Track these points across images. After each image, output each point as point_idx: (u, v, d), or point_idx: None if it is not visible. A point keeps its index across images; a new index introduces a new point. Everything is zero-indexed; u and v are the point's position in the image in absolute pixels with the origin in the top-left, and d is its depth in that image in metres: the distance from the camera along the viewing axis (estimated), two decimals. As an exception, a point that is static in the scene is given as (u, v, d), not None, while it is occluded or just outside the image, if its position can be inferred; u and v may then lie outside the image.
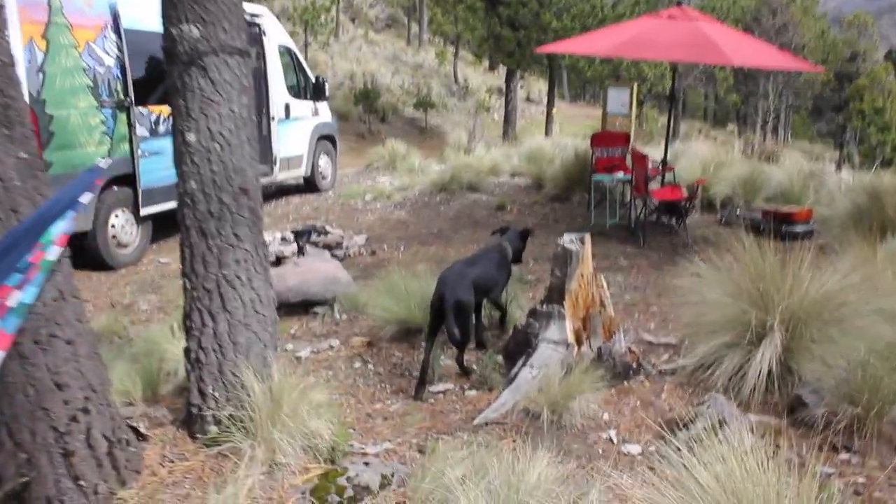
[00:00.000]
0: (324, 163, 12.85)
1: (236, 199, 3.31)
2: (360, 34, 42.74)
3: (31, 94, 7.14)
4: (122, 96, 8.32)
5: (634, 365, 4.46)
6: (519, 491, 2.74)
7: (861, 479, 3.35)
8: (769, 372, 4.04)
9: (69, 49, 7.75)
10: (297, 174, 12.17)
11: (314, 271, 6.29)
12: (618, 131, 11.76)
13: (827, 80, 29.58)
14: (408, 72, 36.81)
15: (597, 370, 4.15)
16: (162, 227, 9.28)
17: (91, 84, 7.98)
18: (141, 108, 8.50)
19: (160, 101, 8.61)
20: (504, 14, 22.45)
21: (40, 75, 7.40)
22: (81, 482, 2.92)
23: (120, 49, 8.29)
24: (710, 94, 32.74)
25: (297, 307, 6.20)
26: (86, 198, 2.92)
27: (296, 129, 11.89)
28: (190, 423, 3.53)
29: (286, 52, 11.95)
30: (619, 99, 16.53)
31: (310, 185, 12.62)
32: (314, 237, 8.68)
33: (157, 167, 8.66)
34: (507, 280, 5.21)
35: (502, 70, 27.10)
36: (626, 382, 4.37)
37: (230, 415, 3.39)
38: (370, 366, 4.88)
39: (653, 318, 6.04)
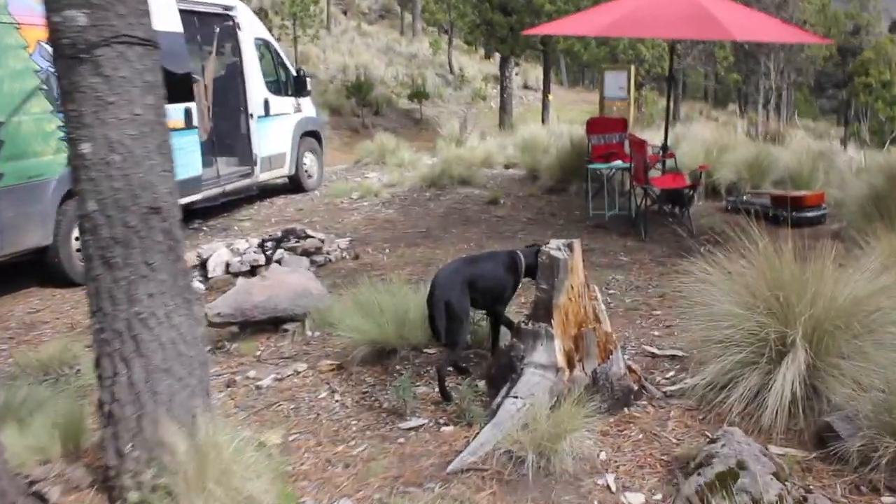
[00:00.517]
0: (309, 161, 12.25)
1: (145, 220, 2.74)
2: (352, 26, 42.07)
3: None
4: (79, 99, 7.74)
5: (636, 387, 3.89)
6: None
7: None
8: (792, 395, 3.46)
9: (17, 50, 7.17)
10: (281, 174, 11.58)
11: (283, 285, 5.71)
12: (615, 117, 11.18)
13: (829, 54, 28.86)
14: (402, 63, 36.13)
15: (592, 398, 3.58)
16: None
17: (45, 87, 7.40)
18: (102, 112, 7.92)
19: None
20: (495, -1, 21.83)
21: (-16, 80, 6.84)
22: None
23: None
24: (711, 74, 32.04)
25: (266, 325, 5.64)
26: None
27: (277, 127, 11.30)
28: (110, 487, 2.97)
29: (264, 46, 11.35)
30: (616, 82, 15.93)
31: (295, 184, 12.03)
32: (293, 242, 8.12)
33: (122, 174, 8.09)
34: (514, 290, 4.58)
35: (498, 57, 26.44)
36: (626, 409, 3.80)
37: (153, 478, 2.83)
38: (337, 396, 4.30)
39: (656, 325, 5.46)
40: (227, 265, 7.54)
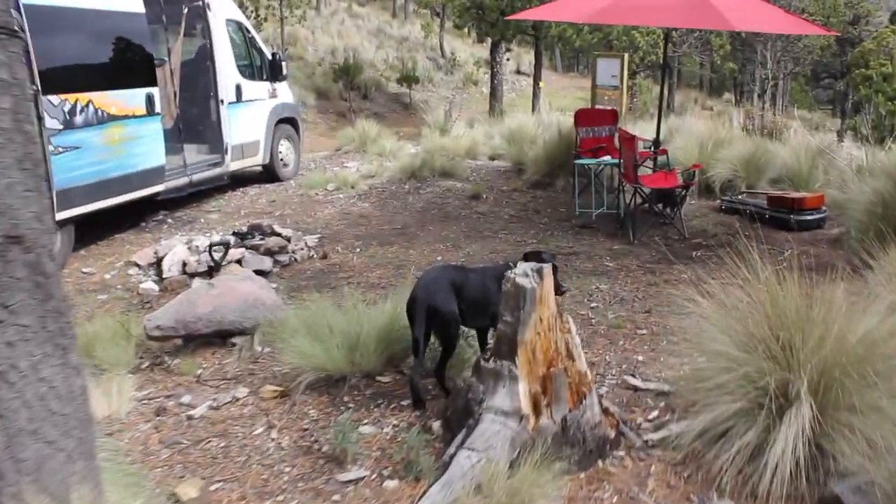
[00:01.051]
0: (284, 149, 11.66)
1: (2, 253, 2.19)
2: (342, 7, 41.27)
3: None
4: (25, 83, 7.16)
5: (612, 434, 3.37)
6: None
7: None
8: (794, 455, 2.95)
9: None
10: (254, 163, 10.99)
11: (232, 294, 5.17)
12: (605, 108, 10.63)
13: (827, 44, 28.30)
14: (392, 45, 35.44)
15: (560, 451, 3.07)
16: (93, 230, 8.20)
17: None
18: (51, 97, 7.32)
19: (75, 88, 7.48)
20: (487, -19, 21.14)
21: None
22: None
23: (20, 28, 7.11)
24: (706, 63, 31.45)
25: (214, 337, 5.11)
26: None
27: (250, 113, 10.70)
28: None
29: (236, 28, 10.74)
30: (609, 70, 15.39)
31: (269, 173, 11.44)
32: (257, 239, 7.57)
33: (74, 164, 7.51)
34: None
35: (490, 42, 25.82)
36: (600, 462, 3.28)
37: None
38: (274, 433, 3.78)
39: (641, 347, 4.94)
40: (184, 265, 7.00)
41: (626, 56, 15.31)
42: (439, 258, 7.48)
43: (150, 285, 6.79)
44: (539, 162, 10.76)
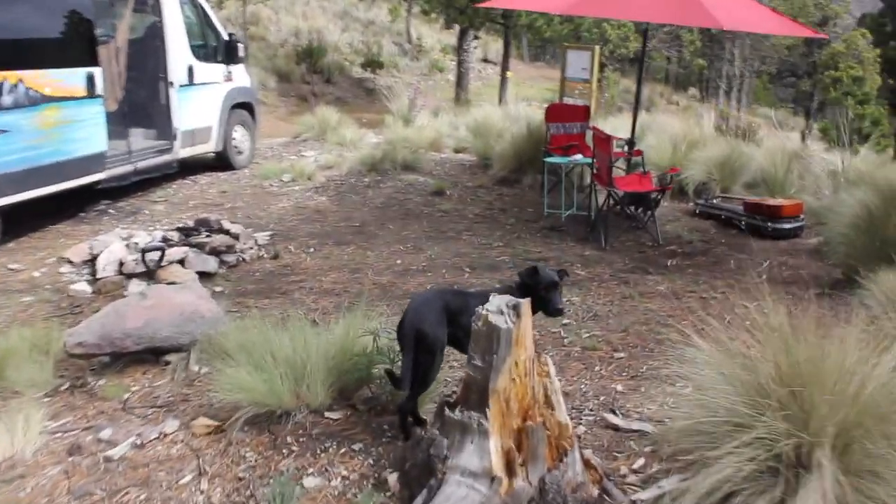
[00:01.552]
0: (239, 135, 11.02)
1: None
2: (308, -13, 40.29)
3: None
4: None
5: (595, 493, 2.92)
6: None
7: None
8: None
9: None
10: (206, 150, 10.35)
11: (167, 306, 4.62)
12: (577, 104, 10.16)
13: (794, 44, 28.20)
14: (358, 29, 34.64)
15: (537, 521, 2.60)
16: (26, 219, 7.55)
17: None
18: (-27, 75, 6.69)
19: (3, 65, 6.82)
20: (456, -34, 20.55)
21: None
22: None
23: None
24: (675, 59, 31.23)
25: (145, 354, 4.56)
26: None
27: (202, 97, 10.06)
28: None
29: (191, 5, 10.07)
30: (579, 62, 14.91)
31: (223, 161, 10.81)
32: (203, 236, 6.99)
33: (2, 149, 6.87)
34: None
35: (458, 28, 25.26)
36: (582, 530, 2.83)
37: None
38: (204, 482, 3.25)
39: (619, 373, 4.51)
40: (121, 264, 6.39)
41: (597, 48, 14.85)
42: (399, 261, 6.99)
43: (82, 286, 6.19)
44: (506, 157, 10.31)
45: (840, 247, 6.76)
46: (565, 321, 5.35)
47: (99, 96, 7.95)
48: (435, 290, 3.89)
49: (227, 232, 7.11)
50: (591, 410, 3.98)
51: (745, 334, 3.17)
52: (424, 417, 3.61)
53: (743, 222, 8.15)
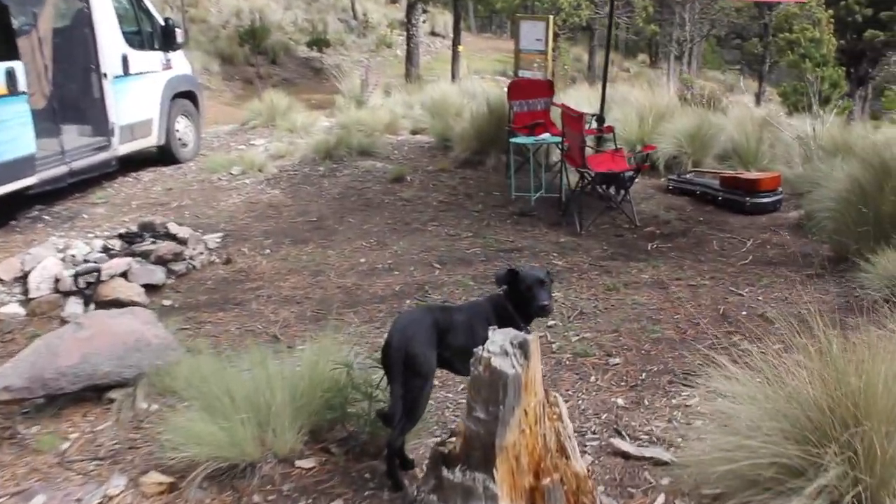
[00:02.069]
0: (182, 127, 10.34)
1: None
2: (247, -35, 38.99)
3: None
4: None
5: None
6: None
7: None
8: None
9: None
10: (147, 144, 9.65)
11: (106, 335, 4.07)
12: (539, 79, 9.70)
13: (743, 6, 27.99)
14: (301, 6, 33.58)
15: None
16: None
17: None
18: None
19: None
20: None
21: None
22: None
23: None
24: (627, 25, 30.88)
25: (85, 392, 4.01)
26: None
27: (140, 88, 9.36)
28: None
29: (121, -12, 9.35)
30: (533, 33, 14.44)
31: (167, 155, 10.12)
32: (148, 244, 6.42)
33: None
34: None
35: (405, 3, 24.52)
36: None
37: None
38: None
39: (617, 384, 4.09)
40: (57, 280, 5.79)
41: (551, 18, 14.37)
42: (363, 260, 6.49)
43: (13, 308, 5.58)
44: (467, 138, 9.82)
45: (826, 222, 6.43)
46: (550, 322, 4.92)
47: (22, 93, 7.25)
48: (422, 308, 3.45)
49: (174, 237, 6.55)
50: (594, 433, 3.56)
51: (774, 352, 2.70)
52: (411, 457, 3.16)
53: (720, 197, 7.79)
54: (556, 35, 23.23)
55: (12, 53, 7.17)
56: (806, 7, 18.51)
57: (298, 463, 3.14)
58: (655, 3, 27.53)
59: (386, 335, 3.02)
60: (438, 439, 3.50)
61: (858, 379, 2.42)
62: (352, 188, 8.79)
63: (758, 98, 24.35)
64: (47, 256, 6.02)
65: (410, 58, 22.77)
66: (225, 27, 27.40)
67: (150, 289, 5.79)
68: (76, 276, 5.57)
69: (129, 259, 5.99)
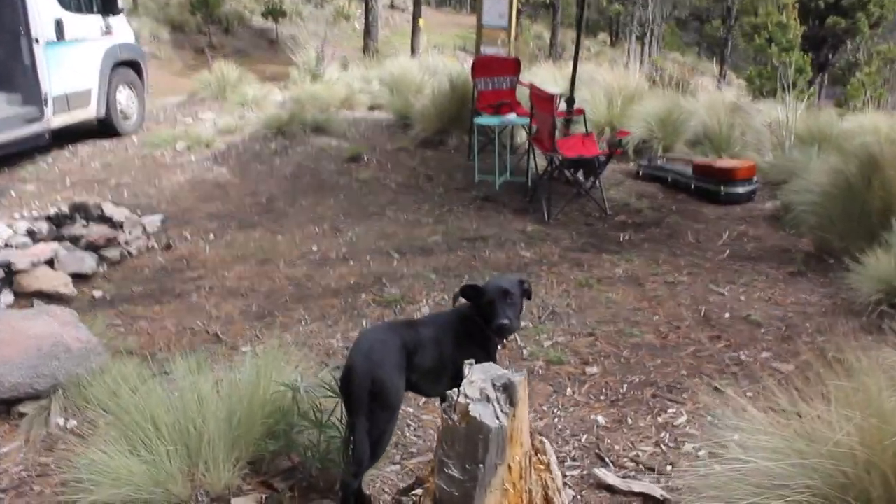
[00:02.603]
0: (124, 98, 9.66)
1: None
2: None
3: None
4: None
5: None
6: None
7: None
8: None
9: None
10: (85, 116, 8.96)
11: (17, 341, 3.55)
12: (504, 57, 9.23)
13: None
14: (256, -27, 32.56)
15: None
16: None
17: None
18: None
19: None
20: None
21: None
22: None
23: None
24: (590, 4, 30.50)
25: (-6, 401, 3.50)
26: None
27: (77, 55, 8.66)
28: None
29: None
30: (496, 8, 13.96)
31: (107, 127, 9.45)
32: (77, 228, 5.85)
33: None
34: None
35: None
36: None
37: None
38: None
39: (596, 398, 3.69)
40: (-28, 267, 5.21)
41: (516, -7, 13.90)
42: (315, 247, 6.01)
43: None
44: (428, 116, 9.34)
45: (806, 216, 6.11)
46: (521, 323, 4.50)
47: (-58, 58, 6.59)
48: (385, 326, 2.97)
49: (108, 219, 5.99)
50: (574, 460, 3.15)
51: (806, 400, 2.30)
52: (368, 493, 2.72)
53: (693, 186, 7.44)
54: (519, 11, 22.75)
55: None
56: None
57: (235, 501, 2.67)
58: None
59: (347, 359, 2.57)
60: (398, 467, 3.08)
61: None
62: (305, 167, 8.26)
63: (719, 81, 24.18)
64: (-39, 242, 5.43)
65: (369, 31, 22.06)
66: (176, -7, 26.36)
67: (79, 278, 5.24)
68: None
69: (55, 245, 5.42)
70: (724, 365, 4.06)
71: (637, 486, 2.87)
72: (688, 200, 7.37)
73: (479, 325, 2.77)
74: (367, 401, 2.43)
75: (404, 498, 2.10)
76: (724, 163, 7.45)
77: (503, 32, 13.98)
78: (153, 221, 6.41)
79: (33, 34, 7.94)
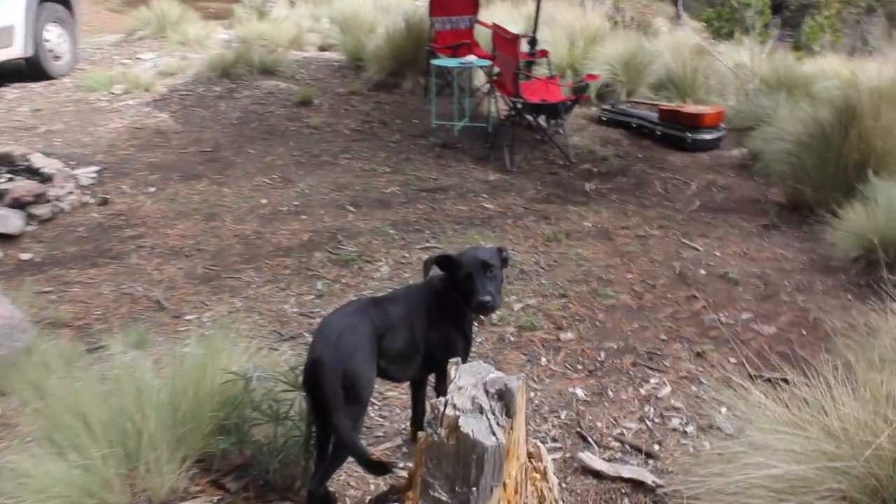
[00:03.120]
0: (54, 36, 8.98)
1: None
2: None
3: None
4: None
5: None
6: None
7: None
8: None
9: None
10: (10, 55, 8.31)
11: (-71, 315, 3.15)
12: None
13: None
14: None
15: None
16: None
17: None
18: None
19: None
20: None
21: None
22: None
23: None
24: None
25: None
26: None
27: (-5, -13, 8.01)
28: None
29: None
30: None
31: (35, 69, 8.80)
32: (2, 182, 5.36)
33: None
34: (447, 345, 2.50)
35: None
36: None
37: None
38: None
39: (572, 366, 3.46)
40: None
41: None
42: (264, 200, 5.61)
43: None
44: (382, 57, 8.85)
45: (777, 165, 5.93)
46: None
47: None
48: (352, 309, 2.43)
49: (37, 172, 5.50)
50: (554, 440, 2.91)
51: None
52: (332, 490, 2.44)
53: (659, 132, 7.19)
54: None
55: None
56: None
57: (181, 507, 2.37)
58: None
59: (310, 350, 2.25)
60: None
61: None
62: (252, 112, 7.78)
63: (676, 23, 23.83)
64: None
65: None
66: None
67: (4, 239, 4.79)
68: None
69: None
70: (703, 328, 3.86)
71: (626, 472, 2.64)
72: (654, 147, 7.13)
73: (454, 301, 2.49)
74: (341, 396, 2.12)
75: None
76: (692, 108, 7.20)
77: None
78: (88, 174, 5.93)
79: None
